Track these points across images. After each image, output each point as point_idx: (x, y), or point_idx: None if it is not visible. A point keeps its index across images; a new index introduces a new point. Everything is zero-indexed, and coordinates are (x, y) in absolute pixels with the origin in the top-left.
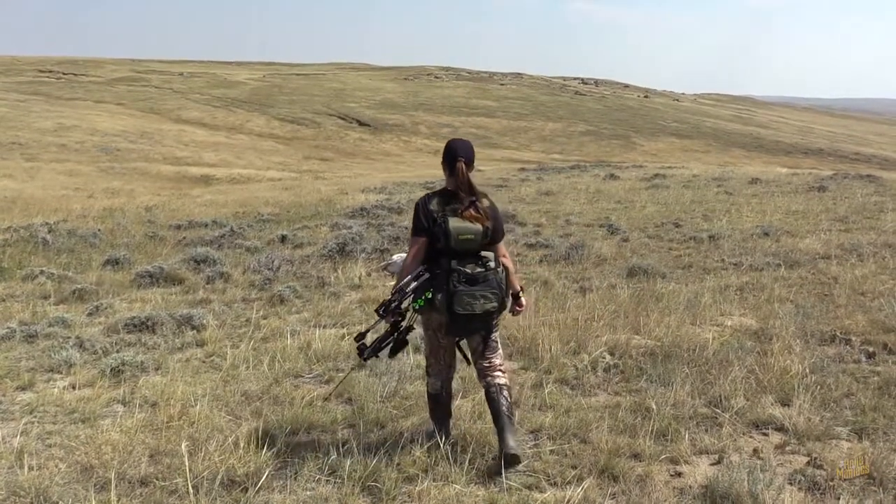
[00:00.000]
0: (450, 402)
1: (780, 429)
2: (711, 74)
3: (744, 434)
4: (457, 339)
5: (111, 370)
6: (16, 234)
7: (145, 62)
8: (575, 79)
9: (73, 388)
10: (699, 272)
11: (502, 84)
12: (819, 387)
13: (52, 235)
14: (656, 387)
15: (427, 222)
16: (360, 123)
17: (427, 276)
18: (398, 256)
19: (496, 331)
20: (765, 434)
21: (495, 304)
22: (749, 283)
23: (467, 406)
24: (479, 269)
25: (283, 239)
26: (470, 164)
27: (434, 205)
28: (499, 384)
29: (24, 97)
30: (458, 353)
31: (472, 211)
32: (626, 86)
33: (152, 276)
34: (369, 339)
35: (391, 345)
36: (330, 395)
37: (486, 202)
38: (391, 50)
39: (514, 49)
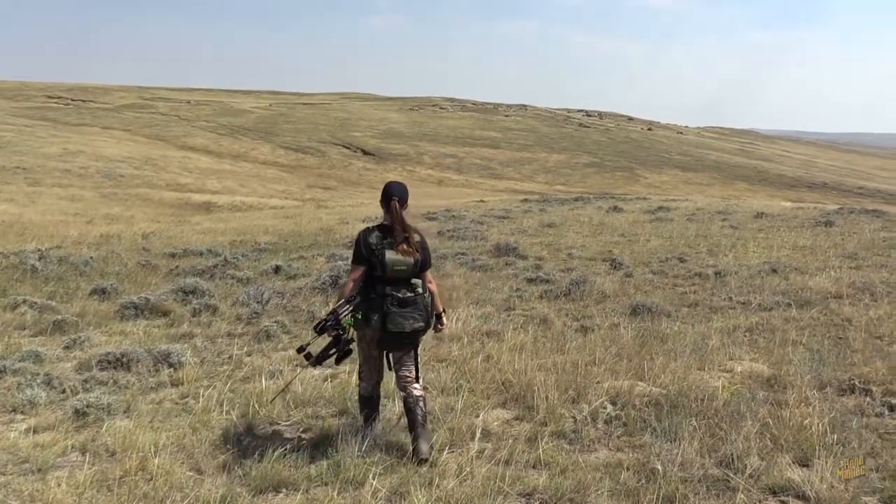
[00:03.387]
0: (378, 403)
1: (801, 496)
2: (715, 108)
3: (760, 502)
4: (385, 351)
5: (75, 412)
6: (6, 260)
7: (153, 89)
8: (579, 111)
9: (33, 431)
10: (706, 311)
11: (507, 115)
12: (841, 446)
13: (42, 262)
14: (662, 442)
15: (366, 253)
16: (365, 153)
17: (358, 300)
18: None
19: (419, 347)
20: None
21: (422, 323)
22: (758, 324)
23: None
24: (409, 294)
25: (277, 269)
26: (403, 203)
27: (373, 238)
28: (416, 396)
29: (31, 122)
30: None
31: (405, 245)
32: (630, 118)
33: (137, 307)
34: (313, 350)
35: (337, 354)
36: (275, 397)
37: (416, 237)
38: (397, 81)
39: (518, 81)
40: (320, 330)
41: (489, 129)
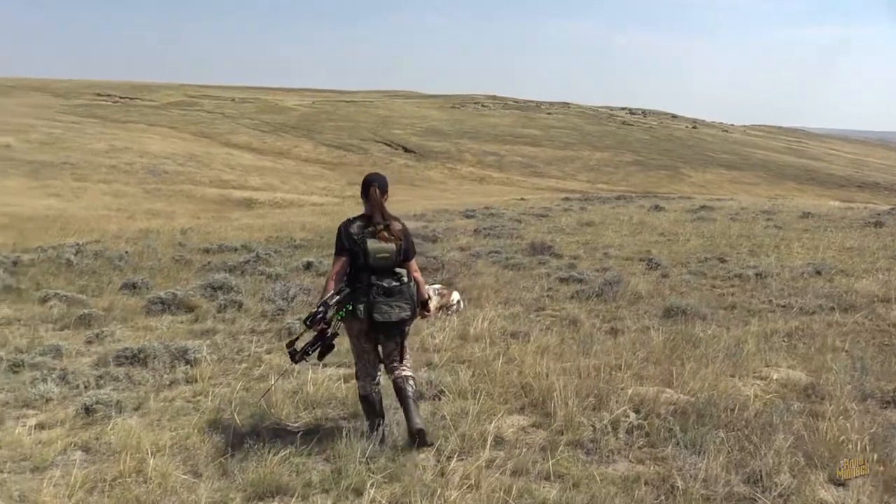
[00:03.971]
0: (380, 403)
1: None
2: (762, 105)
3: None
4: (374, 342)
5: (84, 409)
6: (43, 253)
7: (199, 87)
8: (622, 108)
9: (42, 427)
10: (743, 314)
11: (549, 113)
12: (882, 465)
13: (78, 257)
14: (686, 455)
15: (348, 243)
16: (406, 150)
17: (348, 290)
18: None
19: (407, 337)
20: None
21: (408, 312)
22: (799, 329)
23: None
24: (394, 283)
25: (308, 266)
26: (383, 191)
27: (354, 228)
28: (405, 375)
29: (80, 119)
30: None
31: (385, 233)
32: (675, 116)
33: (164, 302)
34: (299, 346)
35: (319, 349)
36: (261, 397)
37: (398, 225)
38: (439, 79)
39: (561, 79)
40: (310, 322)
41: (531, 126)
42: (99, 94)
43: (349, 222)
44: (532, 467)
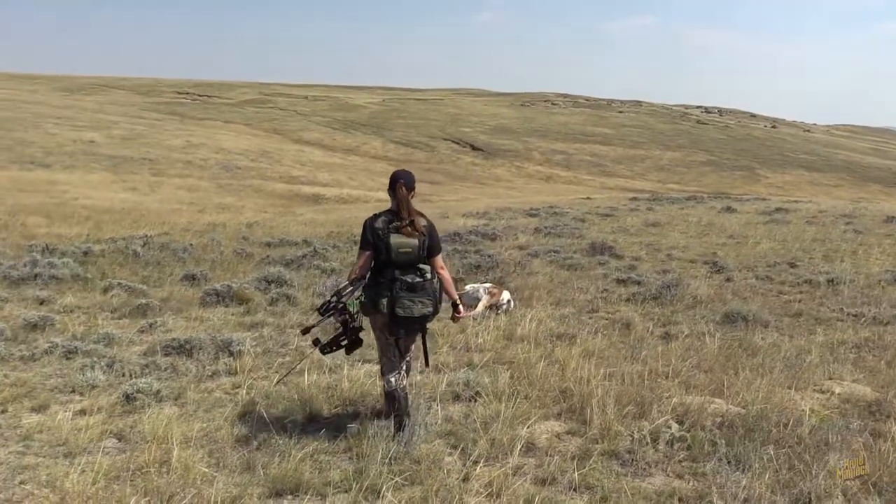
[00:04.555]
0: (405, 399)
1: None
2: (847, 105)
3: None
4: (396, 337)
5: (125, 397)
6: (113, 244)
7: (273, 85)
8: (697, 107)
9: (83, 413)
10: (810, 322)
11: (620, 112)
12: None
13: (144, 248)
14: (729, 471)
15: (372, 238)
16: (474, 148)
17: (363, 282)
18: (470, 287)
19: (426, 332)
20: None
21: (430, 309)
22: (869, 341)
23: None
24: (417, 279)
25: None
26: (409, 188)
27: (379, 223)
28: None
29: (161, 117)
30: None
31: (409, 228)
32: (753, 115)
33: (219, 294)
34: (316, 334)
35: (346, 343)
36: (277, 382)
37: (423, 221)
38: (510, 77)
39: (634, 79)
40: (324, 311)
41: (601, 125)
42: (179, 92)
43: (375, 217)
44: (561, 476)
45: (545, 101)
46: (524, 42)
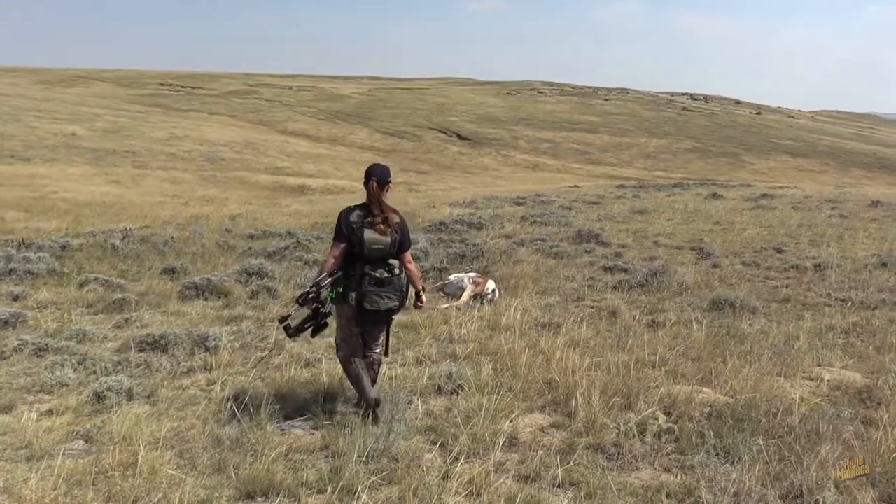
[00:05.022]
0: (362, 372)
1: None
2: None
3: None
4: (364, 329)
5: (95, 396)
6: (92, 238)
7: (258, 76)
8: (683, 94)
9: (51, 413)
10: (797, 308)
11: (606, 99)
12: None
13: (124, 242)
14: (718, 464)
15: (346, 231)
16: (460, 137)
17: (339, 274)
18: (455, 277)
19: (391, 324)
20: None
21: (396, 303)
22: (858, 325)
23: None
24: (386, 275)
25: None
26: (381, 184)
27: (354, 216)
28: (379, 359)
29: (144, 109)
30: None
31: (382, 225)
32: (738, 102)
33: (198, 287)
34: (293, 323)
35: (313, 327)
36: (256, 364)
37: (396, 218)
38: (496, 66)
39: (621, 66)
40: (302, 301)
41: (588, 113)
42: (162, 84)
43: (350, 210)
44: (545, 472)
45: (531, 90)
46: (512, 32)
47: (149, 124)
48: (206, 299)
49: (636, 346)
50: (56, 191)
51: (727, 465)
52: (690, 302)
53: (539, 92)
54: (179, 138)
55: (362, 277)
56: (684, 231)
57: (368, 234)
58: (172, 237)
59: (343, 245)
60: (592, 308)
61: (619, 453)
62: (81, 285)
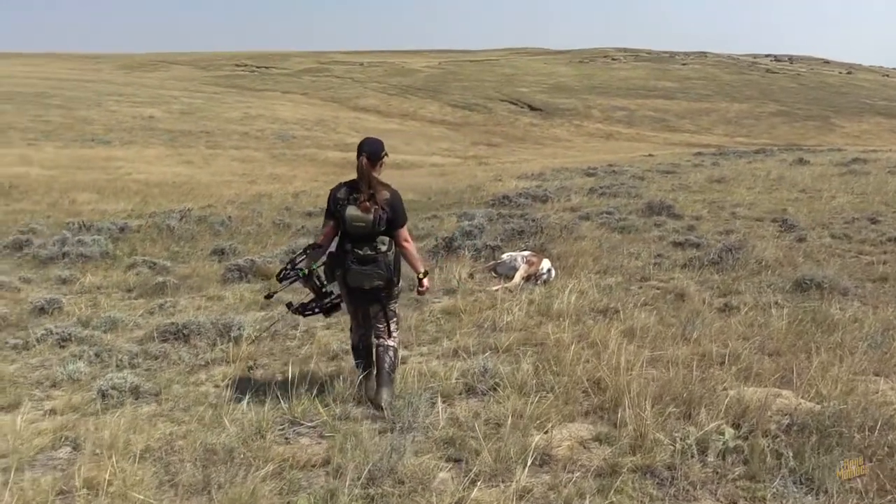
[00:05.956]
0: (368, 355)
1: None
2: None
3: None
4: (355, 306)
5: (100, 394)
6: (150, 219)
7: (329, 53)
8: (766, 56)
9: (54, 413)
10: None
11: (684, 64)
12: None
13: (181, 223)
14: (798, 495)
15: (333, 207)
16: (532, 108)
17: (320, 250)
18: (507, 256)
19: (394, 304)
20: None
21: (381, 282)
22: None
23: None
24: (370, 252)
25: None
26: (372, 159)
27: (341, 193)
28: (386, 345)
29: (220, 90)
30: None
31: (367, 203)
32: (827, 62)
33: (241, 269)
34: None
35: (324, 308)
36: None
37: (385, 194)
38: (569, 34)
39: (698, 27)
40: (281, 278)
41: (664, 79)
42: (238, 65)
43: (339, 187)
44: (579, 501)
45: (605, 57)
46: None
47: (224, 105)
48: (248, 282)
49: (703, 336)
50: (130, 172)
51: (809, 496)
52: (770, 282)
53: (612, 59)
54: (253, 118)
55: (346, 255)
56: (766, 201)
57: (350, 210)
58: (230, 217)
59: (332, 222)
60: (657, 290)
61: (672, 478)
62: (129, 268)
